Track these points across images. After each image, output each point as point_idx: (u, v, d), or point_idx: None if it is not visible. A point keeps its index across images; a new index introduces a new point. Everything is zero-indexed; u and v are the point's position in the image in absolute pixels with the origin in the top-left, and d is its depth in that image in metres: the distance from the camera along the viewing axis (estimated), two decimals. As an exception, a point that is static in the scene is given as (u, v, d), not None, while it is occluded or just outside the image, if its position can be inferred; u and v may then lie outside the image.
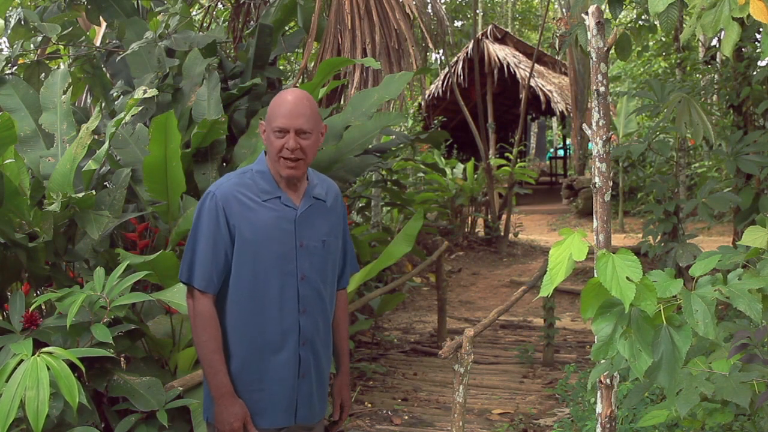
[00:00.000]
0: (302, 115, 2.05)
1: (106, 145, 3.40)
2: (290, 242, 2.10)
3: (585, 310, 1.75)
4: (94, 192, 3.18)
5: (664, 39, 11.35)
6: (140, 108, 3.78)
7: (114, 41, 5.00)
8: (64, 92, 3.96)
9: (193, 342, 2.11)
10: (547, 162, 23.91)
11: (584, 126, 2.02)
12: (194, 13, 6.31)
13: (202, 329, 2.06)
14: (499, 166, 11.62)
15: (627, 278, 1.63)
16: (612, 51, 3.47)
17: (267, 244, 2.08)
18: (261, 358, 2.09)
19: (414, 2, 5.43)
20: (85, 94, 5.77)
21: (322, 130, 2.15)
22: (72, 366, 2.28)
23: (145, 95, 3.41)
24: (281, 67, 7.44)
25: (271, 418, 2.12)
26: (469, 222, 11.97)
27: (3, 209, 2.92)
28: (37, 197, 3.39)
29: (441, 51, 12.28)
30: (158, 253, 3.00)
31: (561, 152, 22.95)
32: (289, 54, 8.46)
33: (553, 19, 18.09)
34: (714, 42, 6.41)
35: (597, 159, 1.98)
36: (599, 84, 1.97)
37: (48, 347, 2.31)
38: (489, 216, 11.48)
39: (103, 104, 4.88)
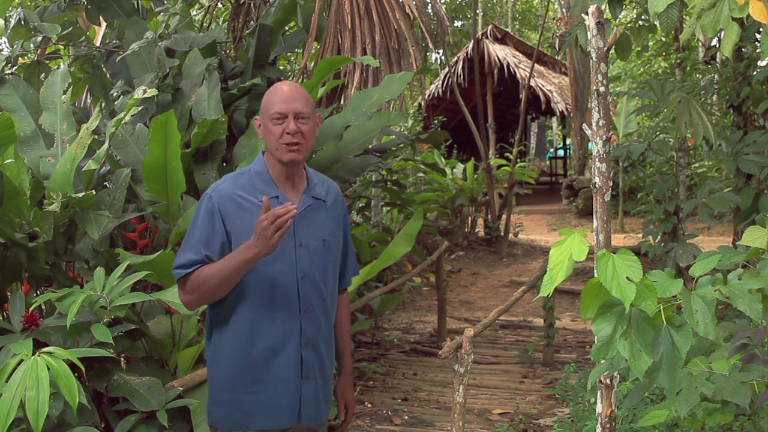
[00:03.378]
0: (299, 100, 2.08)
1: (106, 145, 3.40)
2: (289, 242, 2.09)
3: (585, 310, 1.75)
4: (94, 192, 3.18)
5: (664, 39, 11.35)
6: (140, 108, 3.78)
7: (114, 41, 5.00)
8: (64, 92, 3.96)
9: (214, 290, 2.01)
10: (547, 162, 23.93)
11: (584, 126, 2.02)
12: (194, 13, 6.31)
13: (205, 280, 1.99)
14: (499, 166, 11.63)
15: (627, 278, 1.63)
16: (612, 51, 3.47)
17: None
18: (263, 359, 2.09)
19: (414, 2, 5.44)
20: (85, 94, 5.77)
21: (318, 120, 2.17)
22: (72, 366, 2.28)
23: (145, 95, 3.41)
24: (281, 67, 7.44)
25: (275, 418, 2.11)
26: (469, 222, 11.97)
27: (3, 209, 2.92)
28: (37, 197, 3.39)
29: (441, 51, 12.29)
30: (158, 253, 3.00)
31: (561, 152, 22.97)
32: (289, 54, 8.46)
33: (553, 19, 18.11)
34: (714, 42, 6.41)
35: (597, 159, 1.98)
36: (599, 84, 1.97)
37: (48, 347, 2.31)
38: (489, 216, 11.49)
39: (103, 104, 4.88)
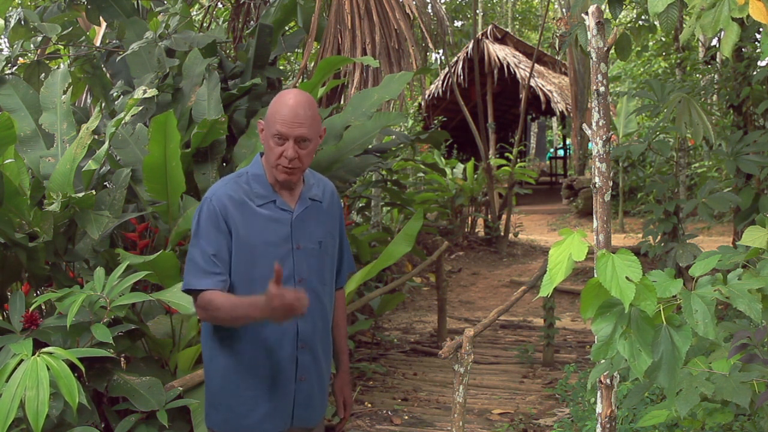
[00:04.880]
0: (303, 124, 2.01)
1: (106, 145, 3.40)
2: (286, 245, 2.09)
3: (585, 310, 1.75)
4: (94, 192, 3.17)
5: (664, 39, 11.35)
6: (140, 108, 3.78)
7: (114, 41, 5.00)
8: (64, 92, 3.96)
9: (220, 321, 2.05)
10: (547, 162, 23.94)
11: (584, 126, 2.02)
12: (194, 13, 6.31)
13: (215, 310, 2.00)
14: (499, 166, 11.63)
15: (627, 278, 1.63)
16: (612, 51, 3.47)
17: (264, 248, 2.07)
18: (258, 362, 2.09)
19: (414, 2, 5.43)
20: (85, 94, 5.77)
21: (321, 134, 2.12)
22: (72, 366, 2.28)
23: (145, 95, 3.41)
24: (281, 67, 7.43)
25: (270, 421, 2.11)
26: (469, 222, 11.97)
27: (3, 209, 2.92)
28: (37, 197, 3.39)
29: (441, 51, 12.29)
30: (158, 253, 3.00)
31: (561, 152, 22.97)
32: (289, 54, 8.46)
33: (553, 19, 18.11)
34: (714, 42, 6.41)
35: (597, 159, 1.98)
36: (599, 84, 1.97)
37: (48, 347, 2.31)
38: (489, 216, 11.49)
39: (103, 104, 4.88)
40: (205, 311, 2.04)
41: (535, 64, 12.70)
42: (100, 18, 5.04)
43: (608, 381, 2.01)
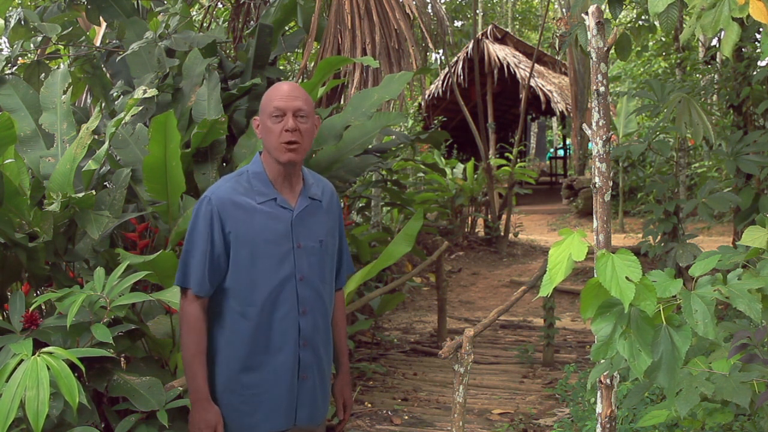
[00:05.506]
0: (298, 98, 2.09)
1: (106, 145, 3.39)
2: (287, 243, 2.10)
3: (585, 310, 1.75)
4: (94, 192, 3.17)
5: (664, 39, 11.35)
6: (140, 108, 3.77)
7: (114, 41, 5.00)
8: (64, 92, 3.95)
9: (181, 337, 2.14)
10: (547, 162, 23.95)
11: (584, 126, 2.02)
12: (194, 13, 6.31)
13: (186, 332, 2.08)
14: (499, 166, 11.63)
15: (626, 278, 1.63)
16: (612, 51, 3.47)
17: (264, 246, 2.07)
18: (260, 360, 2.09)
19: (414, 2, 5.43)
20: (85, 94, 5.77)
21: (317, 122, 2.18)
22: (72, 366, 2.28)
23: (145, 95, 3.41)
24: (281, 67, 7.44)
25: (272, 420, 2.11)
26: (469, 222, 11.97)
27: (3, 209, 2.92)
28: (37, 197, 3.38)
29: (441, 51, 12.29)
30: (158, 253, 3.00)
31: (561, 152, 22.98)
32: (289, 54, 8.46)
33: (553, 19, 18.12)
34: (714, 42, 6.41)
35: (597, 159, 1.98)
36: (599, 84, 1.97)
37: (48, 347, 2.31)
38: (489, 216, 11.49)
39: (103, 104, 4.88)
40: (181, 319, 2.12)
41: (535, 64, 12.71)
42: (100, 18, 5.04)
43: (608, 381, 2.01)
